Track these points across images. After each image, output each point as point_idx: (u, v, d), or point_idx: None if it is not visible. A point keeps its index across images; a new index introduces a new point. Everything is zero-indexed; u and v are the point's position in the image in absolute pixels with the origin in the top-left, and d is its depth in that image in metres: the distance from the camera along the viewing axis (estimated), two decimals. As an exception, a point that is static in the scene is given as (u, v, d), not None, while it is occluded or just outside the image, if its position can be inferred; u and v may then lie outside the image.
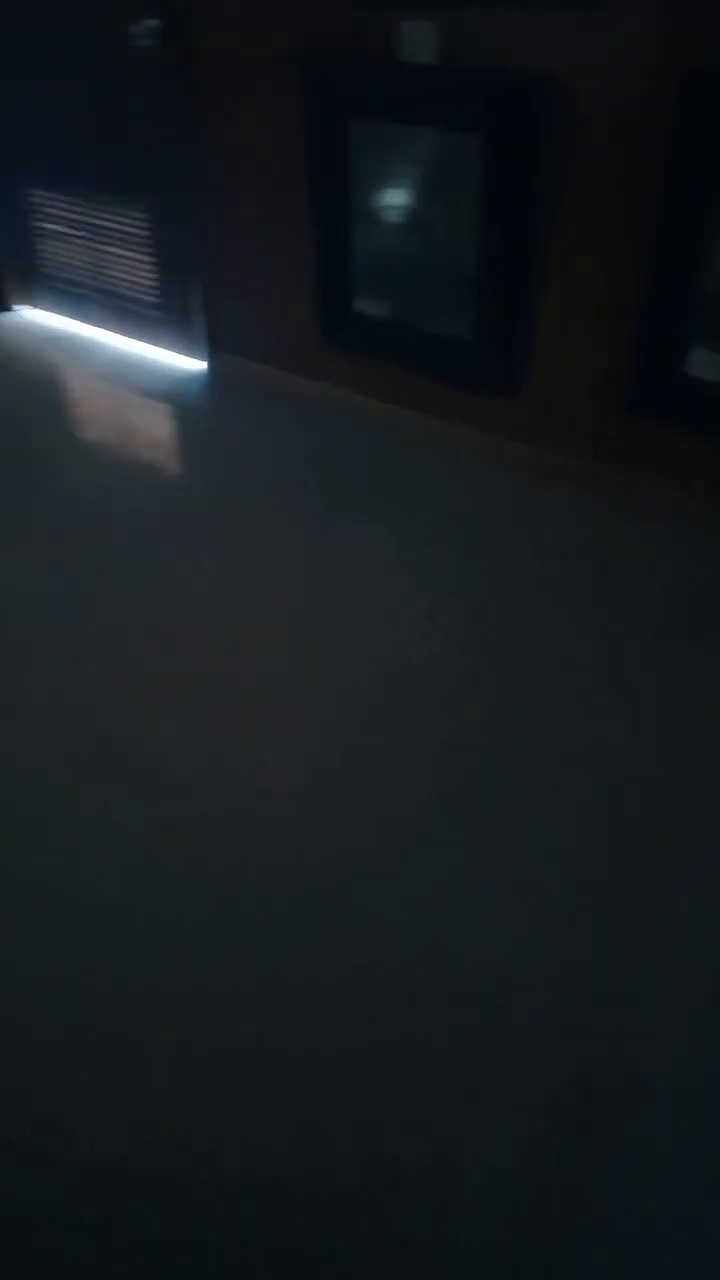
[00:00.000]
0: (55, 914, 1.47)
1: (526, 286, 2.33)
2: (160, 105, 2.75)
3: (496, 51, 2.09)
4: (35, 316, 3.55)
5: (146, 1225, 1.13)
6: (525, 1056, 1.29)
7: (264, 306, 2.90)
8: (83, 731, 1.80)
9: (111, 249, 3.19)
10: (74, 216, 3.22)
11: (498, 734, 1.78)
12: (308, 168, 2.52)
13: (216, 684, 1.91)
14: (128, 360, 3.24)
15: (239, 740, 1.78)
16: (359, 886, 1.51)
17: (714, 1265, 1.11)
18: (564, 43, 2.01)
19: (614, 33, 1.96)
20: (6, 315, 3.54)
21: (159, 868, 1.53)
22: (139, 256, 3.12)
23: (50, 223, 3.31)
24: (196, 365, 3.15)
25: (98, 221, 3.16)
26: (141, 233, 3.06)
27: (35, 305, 3.56)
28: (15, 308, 3.57)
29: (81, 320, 3.44)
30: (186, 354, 3.17)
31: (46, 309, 3.53)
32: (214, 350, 3.09)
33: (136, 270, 3.15)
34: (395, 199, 2.46)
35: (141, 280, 3.16)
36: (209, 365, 3.12)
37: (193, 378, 3.12)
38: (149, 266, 3.10)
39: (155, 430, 2.99)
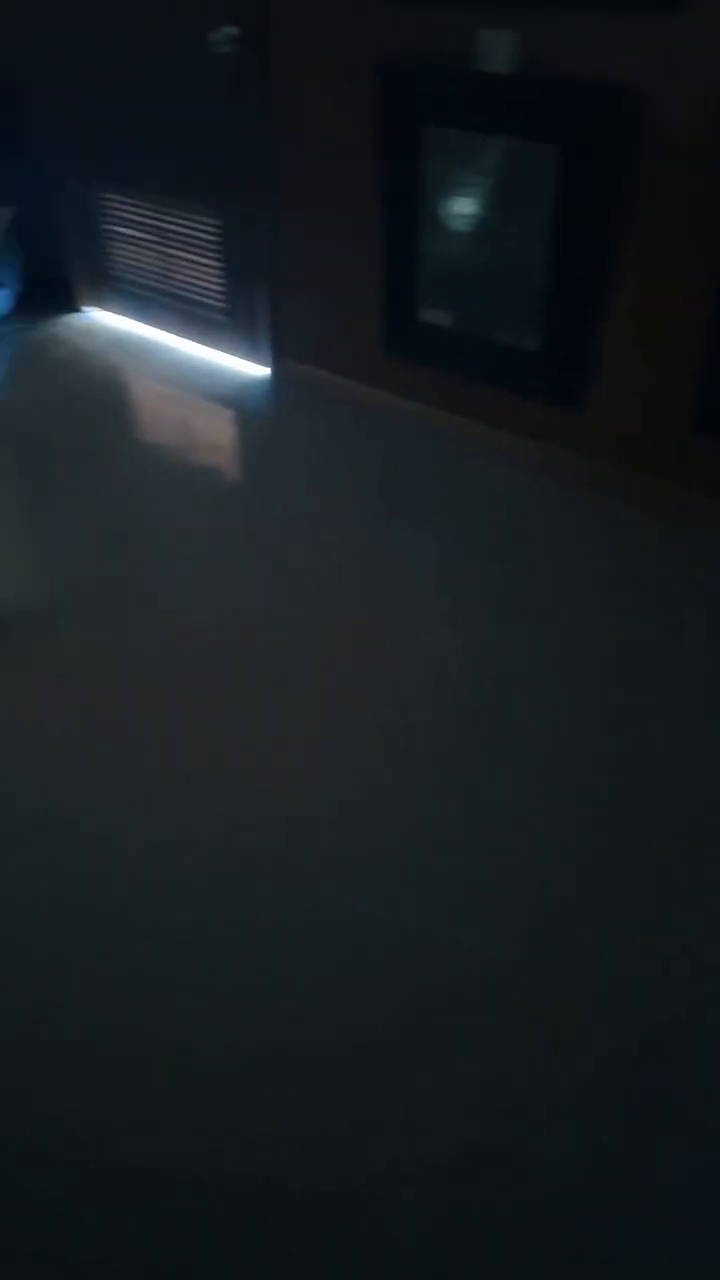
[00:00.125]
0: (76, 911, 1.48)
1: (595, 299, 2.29)
2: (235, 112, 2.77)
3: (574, 60, 2.07)
4: (103, 318, 3.60)
5: (148, 1228, 1.12)
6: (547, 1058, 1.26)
7: (329, 314, 2.90)
8: (132, 732, 1.80)
9: (180, 253, 3.22)
10: (145, 220, 3.26)
11: (553, 748, 1.75)
12: (378, 175, 2.52)
13: (268, 687, 1.90)
14: (192, 364, 3.27)
15: (286, 743, 1.77)
16: (412, 887, 1.49)
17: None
18: (644, 50, 1.98)
19: (696, 39, 1.92)
20: (75, 316, 3.60)
21: (197, 861, 1.53)
22: (207, 261, 3.14)
23: (121, 226, 3.35)
24: (260, 371, 3.16)
25: (168, 226, 3.20)
26: (211, 238, 3.08)
27: (103, 307, 3.60)
28: (84, 309, 3.63)
29: (148, 323, 3.48)
30: (251, 360, 3.18)
31: (114, 311, 3.58)
32: (278, 356, 3.10)
33: (204, 275, 3.18)
34: (466, 208, 2.45)
35: (209, 285, 3.18)
36: (272, 371, 3.13)
37: (256, 383, 3.13)
38: (217, 272, 3.13)
39: (217, 434, 3.01)
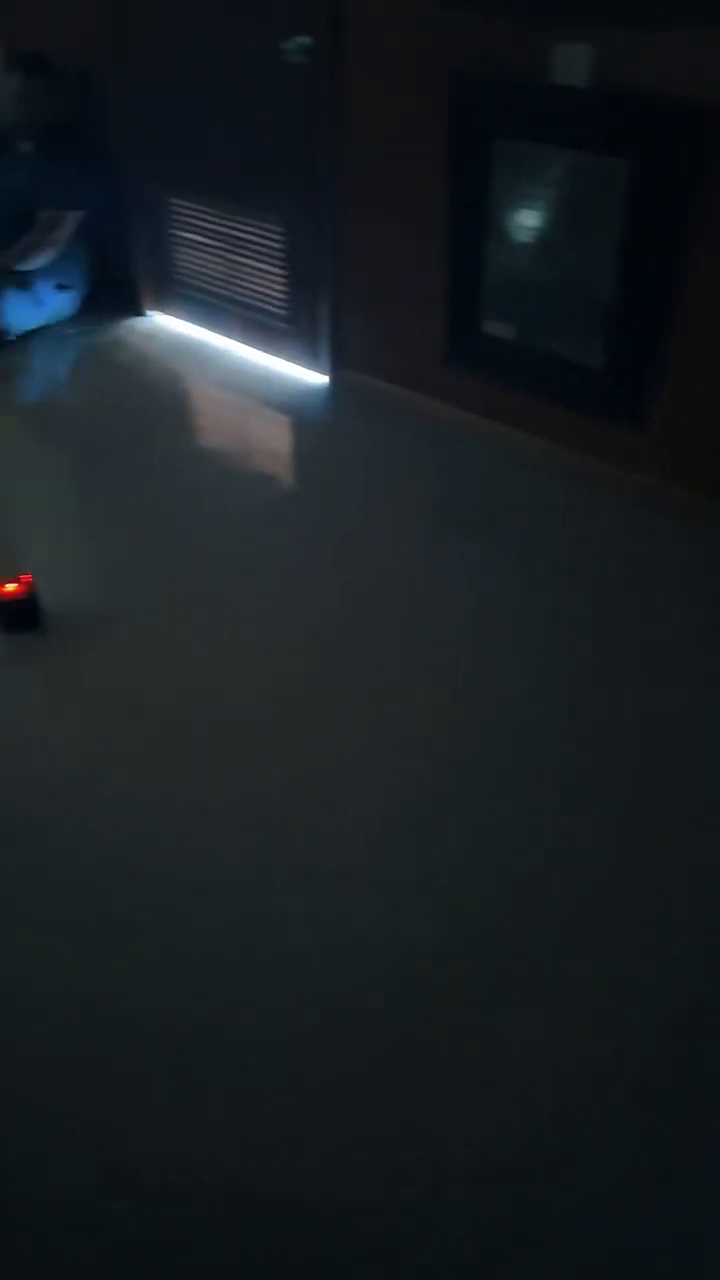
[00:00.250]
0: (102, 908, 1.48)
1: (662, 317, 2.26)
2: (304, 121, 2.78)
3: (651, 75, 2.03)
4: (166, 323, 3.63)
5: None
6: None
7: (390, 324, 2.90)
8: (177, 731, 1.81)
9: (245, 260, 3.23)
10: (211, 226, 3.28)
11: (614, 771, 1.72)
12: (445, 186, 2.51)
13: (315, 694, 1.89)
14: (252, 371, 3.28)
15: (332, 749, 1.76)
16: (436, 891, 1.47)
17: None
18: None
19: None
20: (139, 320, 3.64)
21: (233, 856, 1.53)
22: (271, 269, 3.15)
23: (187, 231, 3.38)
24: (319, 379, 3.16)
25: (234, 232, 3.21)
26: (275, 245, 3.09)
27: (167, 312, 3.64)
28: (148, 313, 3.66)
29: (210, 329, 3.50)
30: (310, 367, 3.19)
31: (177, 316, 3.61)
32: (338, 365, 3.10)
33: (267, 282, 3.19)
34: (532, 220, 2.42)
35: (272, 292, 3.19)
36: (331, 380, 3.13)
37: (315, 391, 3.13)
38: (280, 279, 3.14)
39: (275, 441, 3.02)
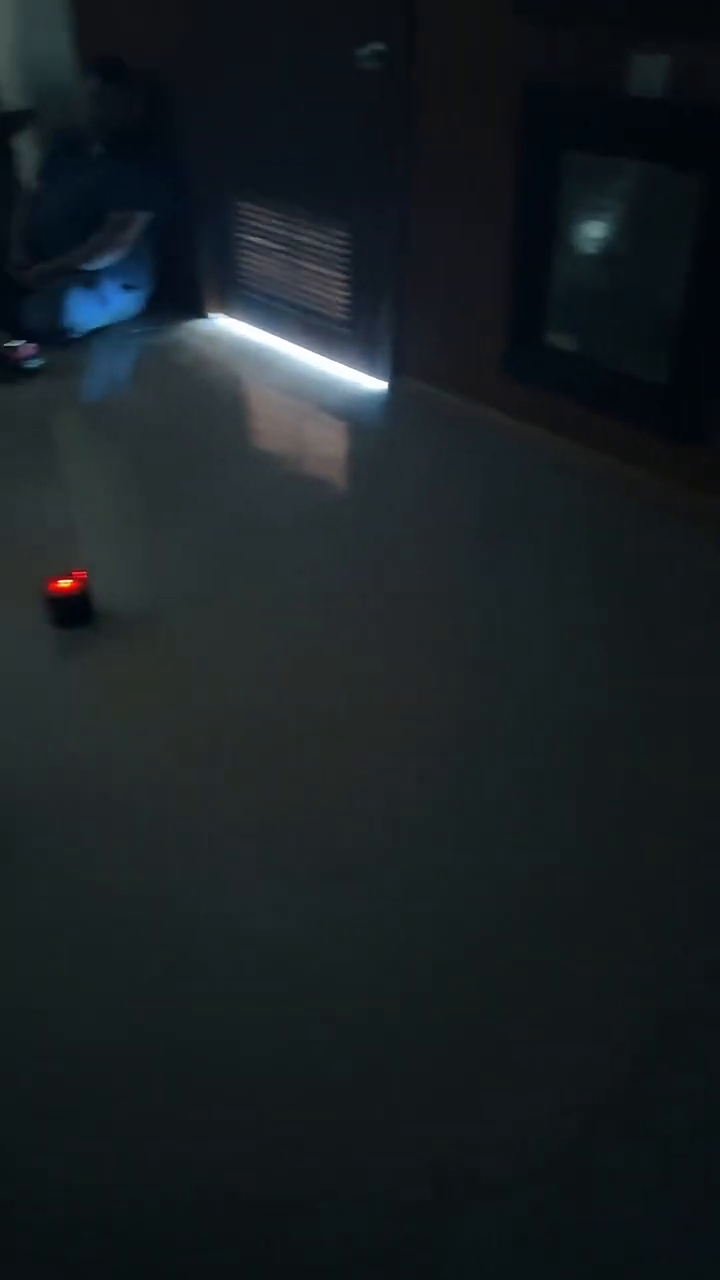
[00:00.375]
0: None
1: (733, 332, 2.21)
2: (374, 127, 2.78)
3: (731, 87, 2.00)
4: (228, 325, 3.66)
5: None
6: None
7: (451, 331, 2.88)
8: (221, 730, 1.81)
9: (308, 265, 3.24)
10: (276, 231, 3.30)
11: (660, 803, 1.68)
12: (514, 195, 2.49)
13: (359, 699, 1.88)
14: (311, 375, 3.29)
15: (371, 755, 1.75)
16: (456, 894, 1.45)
17: None
18: None
19: None
20: (202, 322, 3.67)
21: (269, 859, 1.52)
22: (334, 274, 3.16)
23: (253, 235, 3.40)
24: (377, 385, 3.16)
25: (298, 237, 3.23)
26: (339, 251, 3.09)
27: (229, 314, 3.67)
28: (211, 315, 3.69)
29: (271, 332, 3.52)
30: (369, 373, 3.19)
31: (239, 319, 3.63)
32: (396, 371, 3.10)
33: (330, 287, 3.19)
34: (600, 231, 2.39)
35: (333, 298, 3.20)
36: (389, 386, 3.12)
37: (373, 397, 3.13)
38: (342, 284, 3.14)
39: (331, 447, 3.02)
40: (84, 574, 2.07)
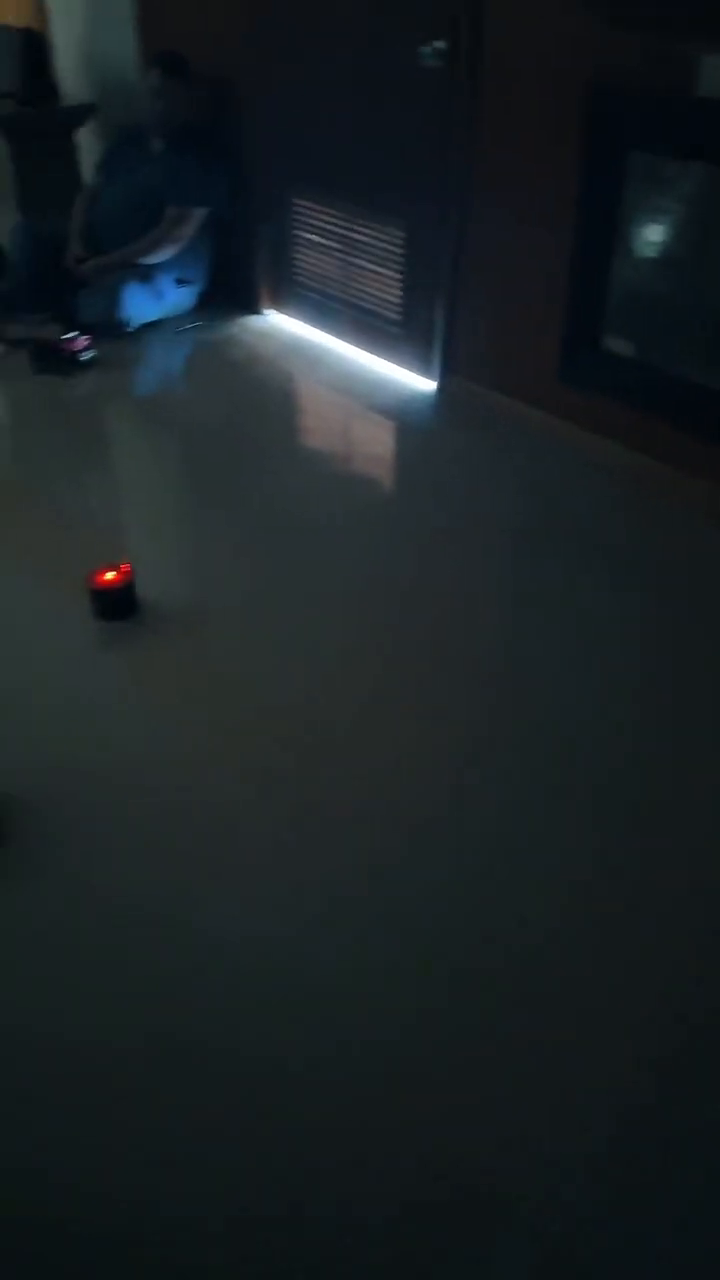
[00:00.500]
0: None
1: None
2: (435, 126, 2.75)
3: None
4: (281, 322, 3.66)
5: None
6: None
7: (504, 333, 2.85)
8: (259, 723, 1.81)
9: (363, 263, 3.23)
10: (333, 228, 3.29)
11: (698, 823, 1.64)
12: (576, 196, 2.44)
13: (397, 701, 1.87)
14: (362, 374, 3.28)
15: (407, 757, 1.73)
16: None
17: None
18: None
19: None
20: (256, 319, 3.67)
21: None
22: (389, 273, 3.14)
23: (309, 232, 3.39)
24: (428, 385, 3.14)
25: (355, 235, 3.21)
26: (394, 250, 3.08)
27: (283, 311, 3.66)
28: (265, 312, 3.69)
29: (324, 330, 3.51)
30: (420, 373, 3.16)
31: (293, 316, 3.63)
32: (447, 371, 3.07)
33: (384, 286, 3.18)
34: (664, 236, 2.35)
35: (387, 296, 3.18)
36: (440, 386, 3.10)
37: (422, 397, 3.10)
38: (396, 284, 3.12)
39: (379, 446, 3.01)
40: (128, 567, 2.08)
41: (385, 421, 3.06)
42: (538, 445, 2.77)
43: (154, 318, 3.46)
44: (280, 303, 3.67)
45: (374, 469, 2.90)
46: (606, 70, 2.28)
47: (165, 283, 3.44)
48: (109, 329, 3.31)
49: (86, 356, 3.18)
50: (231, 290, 3.66)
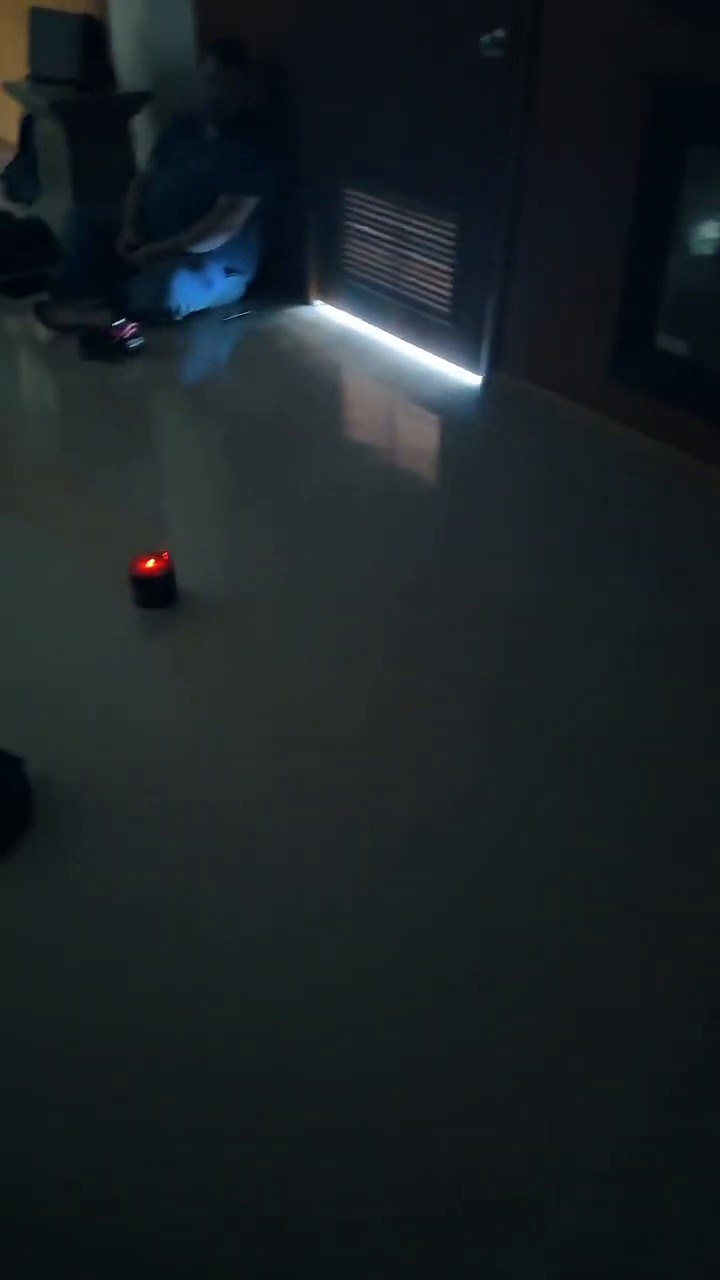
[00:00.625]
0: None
1: None
2: (491, 116, 2.72)
3: None
4: (329, 313, 3.64)
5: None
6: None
7: (554, 329, 2.81)
8: (291, 715, 1.80)
9: (413, 255, 3.20)
10: (384, 219, 3.26)
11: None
12: (634, 191, 2.40)
13: (435, 699, 1.85)
14: (409, 367, 3.25)
15: (437, 756, 1.71)
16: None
17: None
18: None
19: None
20: (304, 309, 3.66)
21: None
22: (439, 266, 3.11)
23: (360, 223, 3.37)
24: (474, 379, 3.10)
25: (405, 226, 3.19)
26: (445, 242, 3.04)
27: (331, 303, 3.65)
28: (314, 303, 3.68)
29: (372, 322, 3.48)
30: (467, 367, 3.13)
31: (341, 308, 3.61)
32: (495, 366, 3.03)
33: (434, 279, 3.15)
34: (722, 233, 2.30)
35: (437, 289, 3.15)
36: (487, 381, 3.06)
37: (469, 392, 3.07)
38: (446, 276, 3.09)
39: (423, 440, 2.99)
40: (168, 555, 2.08)
41: (431, 415, 3.03)
42: (585, 443, 2.73)
43: (202, 306, 3.46)
44: (329, 294, 3.65)
45: (418, 463, 2.88)
46: (668, 63, 2.23)
47: (215, 271, 3.44)
48: (158, 317, 3.32)
49: (135, 344, 3.19)
50: (281, 280, 3.65)
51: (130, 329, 3.18)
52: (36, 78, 4.04)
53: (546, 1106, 1.23)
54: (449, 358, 3.20)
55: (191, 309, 3.42)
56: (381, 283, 3.39)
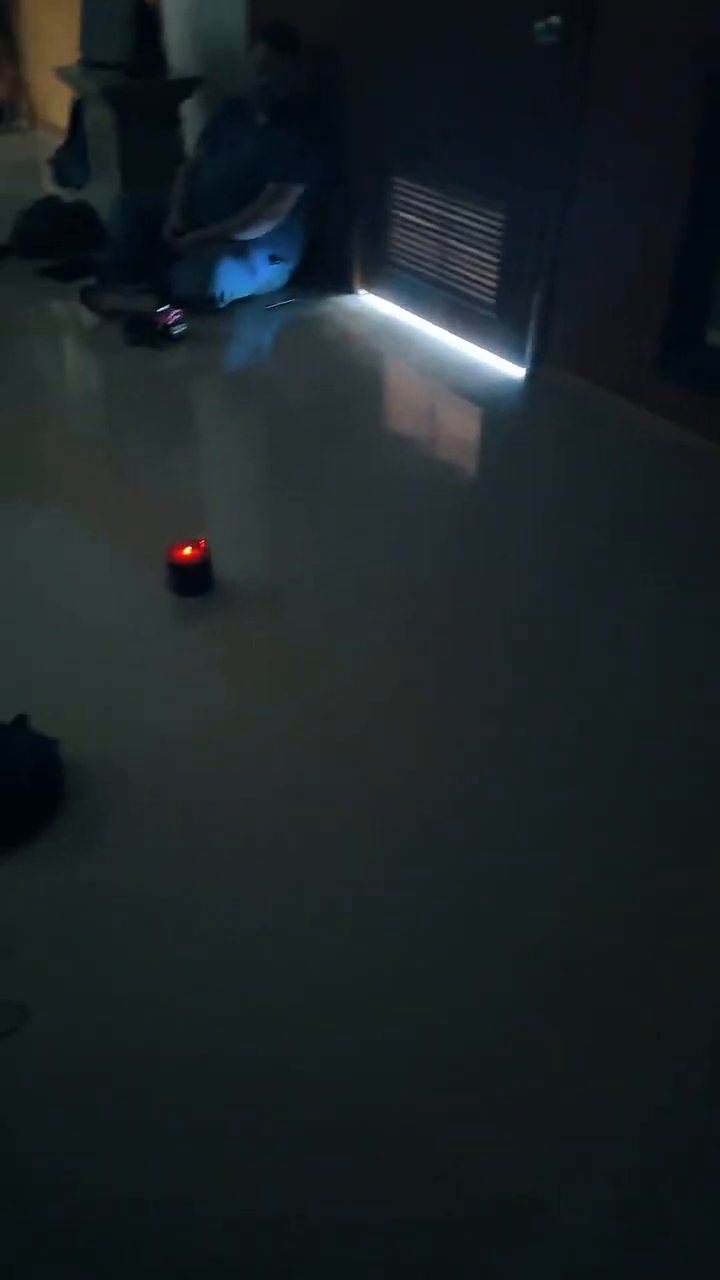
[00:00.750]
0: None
1: None
2: (543, 105, 2.67)
3: None
4: (373, 303, 3.62)
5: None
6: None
7: (602, 323, 2.76)
8: (322, 706, 1.80)
9: (459, 245, 3.17)
10: (430, 209, 3.23)
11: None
12: (690, 183, 2.35)
13: (469, 692, 1.83)
14: (452, 358, 3.22)
15: (461, 751, 1.69)
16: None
17: None
18: None
19: None
20: (348, 298, 3.64)
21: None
22: (485, 256, 3.07)
23: (406, 212, 3.34)
24: (517, 372, 3.07)
25: (452, 216, 3.15)
26: (493, 233, 3.01)
27: (376, 292, 3.62)
28: (358, 291, 3.66)
29: (416, 312, 3.45)
30: (512, 360, 3.09)
31: (385, 296, 3.59)
32: (539, 359, 2.99)
33: (480, 269, 3.11)
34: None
35: (483, 280, 3.11)
36: (531, 373, 3.02)
37: (512, 384, 3.04)
38: (493, 267, 3.05)
39: (465, 432, 2.96)
40: (205, 542, 2.08)
41: (473, 407, 3.00)
42: (631, 438, 2.68)
43: (246, 293, 3.45)
44: (373, 283, 3.63)
45: (459, 455, 2.85)
46: (729, 49, 2.18)
47: (259, 259, 3.43)
48: (202, 303, 3.32)
49: (178, 330, 3.19)
50: (325, 269, 3.63)
51: (174, 315, 3.18)
52: (88, 62, 4.04)
53: (547, 1106, 1.21)
54: (493, 349, 3.16)
55: (235, 296, 3.42)
56: (426, 272, 3.36)
